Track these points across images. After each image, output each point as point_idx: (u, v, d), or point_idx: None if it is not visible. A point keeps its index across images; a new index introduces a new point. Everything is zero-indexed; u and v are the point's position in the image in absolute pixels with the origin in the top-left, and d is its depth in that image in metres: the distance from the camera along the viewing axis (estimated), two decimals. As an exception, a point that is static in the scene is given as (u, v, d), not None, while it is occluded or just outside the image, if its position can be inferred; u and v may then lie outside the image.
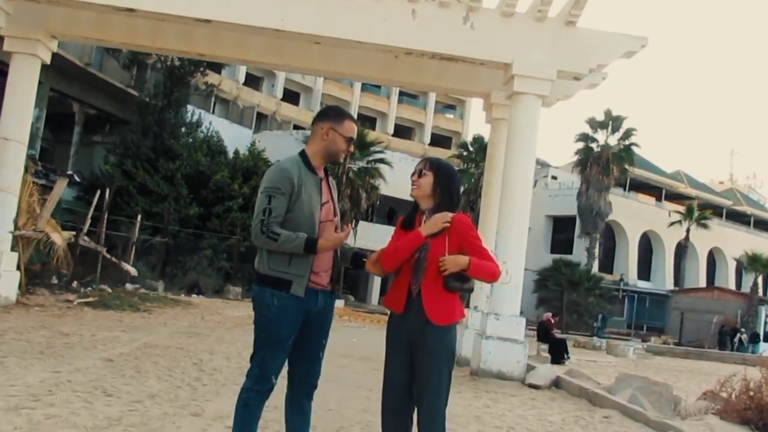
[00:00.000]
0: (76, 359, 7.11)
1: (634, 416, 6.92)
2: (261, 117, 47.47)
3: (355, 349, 12.47)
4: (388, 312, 3.42)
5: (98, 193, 17.32)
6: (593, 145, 39.69)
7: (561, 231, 45.69)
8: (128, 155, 27.60)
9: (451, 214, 3.30)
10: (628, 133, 39.58)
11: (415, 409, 3.33)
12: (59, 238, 12.64)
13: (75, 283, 13.79)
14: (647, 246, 47.40)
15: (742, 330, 35.44)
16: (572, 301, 35.44)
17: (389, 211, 42.88)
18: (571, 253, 42.71)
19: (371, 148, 32.76)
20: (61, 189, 12.67)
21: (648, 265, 47.37)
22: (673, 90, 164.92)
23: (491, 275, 3.33)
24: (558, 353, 16.97)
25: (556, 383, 9.26)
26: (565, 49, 9.87)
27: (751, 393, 6.73)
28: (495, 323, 9.49)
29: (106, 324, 10.98)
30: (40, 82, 29.23)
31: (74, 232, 14.35)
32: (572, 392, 8.76)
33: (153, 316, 13.28)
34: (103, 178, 25.59)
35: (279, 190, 3.30)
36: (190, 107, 31.36)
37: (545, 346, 17.73)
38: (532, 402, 7.89)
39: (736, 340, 34.52)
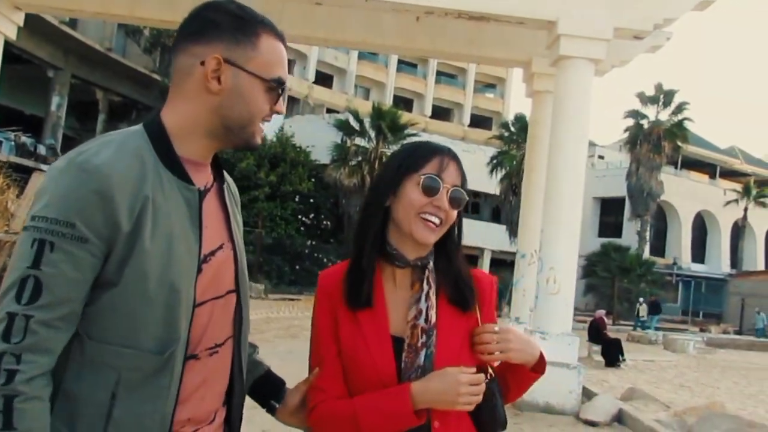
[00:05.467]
0: None
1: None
2: (293, 101, 46.21)
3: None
4: None
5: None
6: (643, 122, 38.09)
7: (609, 213, 44.16)
8: (150, 143, 26.72)
9: (495, 327, 1.66)
10: (680, 108, 37.83)
11: None
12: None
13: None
14: (701, 227, 45.24)
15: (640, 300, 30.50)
16: (623, 288, 33.40)
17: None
18: (620, 236, 41.26)
19: (405, 131, 31.04)
20: (35, 185, 11.13)
21: (702, 248, 45.16)
22: (722, 58, 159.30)
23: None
24: (612, 355, 15.72)
25: (619, 418, 7.45)
26: (623, 0, 7.96)
27: None
28: (541, 344, 7.62)
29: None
30: (60, 69, 28.98)
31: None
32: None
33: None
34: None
35: (72, 233, 1.32)
36: (216, 91, 30.24)
37: (597, 348, 16.22)
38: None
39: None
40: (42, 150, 27.11)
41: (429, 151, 1.66)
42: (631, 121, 38.41)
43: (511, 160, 32.72)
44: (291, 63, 46.57)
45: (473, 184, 2.44)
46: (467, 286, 1.68)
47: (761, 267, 44.17)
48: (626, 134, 38.63)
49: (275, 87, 1.52)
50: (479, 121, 55.12)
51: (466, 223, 1.72)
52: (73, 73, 29.78)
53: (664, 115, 37.98)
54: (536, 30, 8.70)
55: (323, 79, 48.81)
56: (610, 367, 15.19)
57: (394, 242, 1.66)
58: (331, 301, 1.66)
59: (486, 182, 31.42)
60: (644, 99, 38.14)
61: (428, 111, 53.07)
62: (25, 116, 29.12)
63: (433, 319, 1.61)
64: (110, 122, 33.63)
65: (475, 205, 38.57)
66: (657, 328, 28.57)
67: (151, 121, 1.49)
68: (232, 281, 1.57)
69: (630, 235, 39.78)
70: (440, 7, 8.09)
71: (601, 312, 18.23)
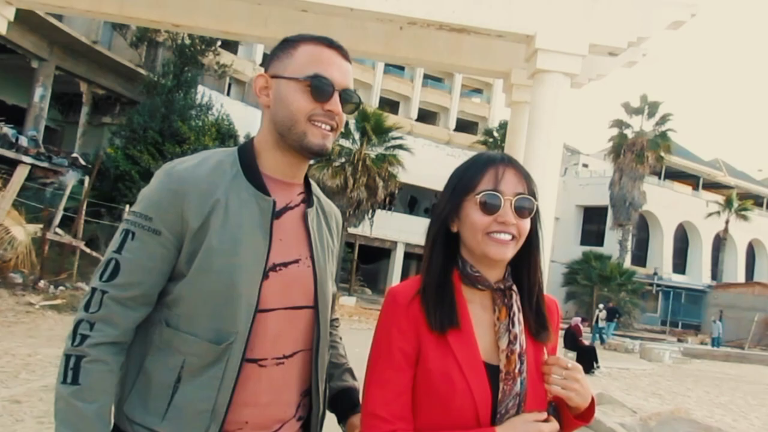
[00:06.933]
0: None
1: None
2: (280, 101, 46.04)
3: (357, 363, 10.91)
4: None
5: (88, 178, 15.96)
6: (627, 132, 38.21)
7: (592, 222, 43.97)
8: (135, 138, 26.28)
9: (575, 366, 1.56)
10: (664, 119, 38.16)
11: None
12: (22, 231, 11.20)
13: (43, 283, 12.34)
14: (683, 238, 45.10)
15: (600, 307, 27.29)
16: (603, 296, 33.66)
17: (411, 199, 41.36)
18: (602, 245, 41.19)
19: (390, 134, 31.00)
20: (21, 177, 11.22)
21: (683, 259, 45.09)
22: (709, 71, 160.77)
23: None
24: (587, 362, 15.73)
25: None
26: (599, 18, 8.14)
27: None
28: (509, 350, 7.80)
29: (63, 334, 9.54)
30: (44, 60, 28.73)
31: (41, 225, 12.89)
32: (602, 436, 7.17)
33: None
34: (107, 161, 24.32)
35: (149, 225, 1.53)
36: (201, 88, 29.90)
37: (573, 354, 16.32)
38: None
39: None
40: (24, 141, 26.87)
41: (481, 165, 1.55)
42: (615, 131, 38.52)
43: (495, 166, 32.91)
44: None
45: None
46: (546, 315, 1.60)
47: (741, 279, 44.22)
48: (610, 143, 38.69)
49: (315, 84, 1.60)
50: (465, 125, 54.66)
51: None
52: (58, 64, 29.45)
53: (649, 126, 38.12)
54: (515, 43, 8.87)
55: (312, 79, 48.71)
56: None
57: (473, 263, 1.56)
58: (412, 320, 1.52)
59: (469, 187, 31.54)
60: (629, 109, 38.26)
61: (414, 114, 52.65)
62: (6, 106, 28.78)
63: (524, 344, 1.52)
64: (93, 115, 33.21)
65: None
66: (613, 335, 27.40)
67: (246, 141, 1.71)
68: (310, 297, 1.67)
69: (612, 244, 39.75)
70: (422, 19, 8.21)
71: (577, 319, 18.32)
